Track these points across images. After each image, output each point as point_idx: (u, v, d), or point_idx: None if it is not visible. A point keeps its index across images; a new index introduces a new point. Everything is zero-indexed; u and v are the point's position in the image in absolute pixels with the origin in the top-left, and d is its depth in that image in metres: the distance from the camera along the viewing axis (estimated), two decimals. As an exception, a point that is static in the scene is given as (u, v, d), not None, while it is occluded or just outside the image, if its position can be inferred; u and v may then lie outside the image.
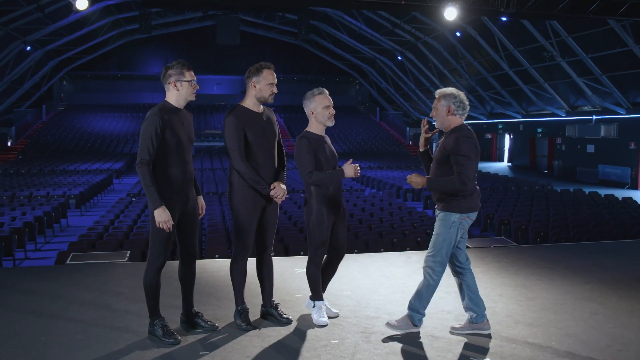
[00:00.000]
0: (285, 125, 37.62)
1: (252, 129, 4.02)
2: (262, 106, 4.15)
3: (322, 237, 4.16)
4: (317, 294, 4.24)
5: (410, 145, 35.65)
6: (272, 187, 4.03)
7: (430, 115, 4.01)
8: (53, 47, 31.76)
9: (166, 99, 3.91)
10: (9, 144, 33.05)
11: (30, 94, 36.12)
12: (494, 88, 28.95)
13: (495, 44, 25.21)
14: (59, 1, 25.76)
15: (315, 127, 4.21)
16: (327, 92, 4.25)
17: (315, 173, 4.09)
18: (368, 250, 8.98)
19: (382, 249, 9.09)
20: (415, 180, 3.88)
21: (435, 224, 3.99)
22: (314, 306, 4.25)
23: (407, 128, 38.09)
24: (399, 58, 34.07)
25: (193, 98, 3.95)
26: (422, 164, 4.25)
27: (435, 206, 4.05)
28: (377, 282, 5.25)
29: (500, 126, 32.15)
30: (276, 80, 4.12)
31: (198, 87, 3.93)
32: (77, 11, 16.59)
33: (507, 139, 32.84)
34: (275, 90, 4.10)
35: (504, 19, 22.60)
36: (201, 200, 4.15)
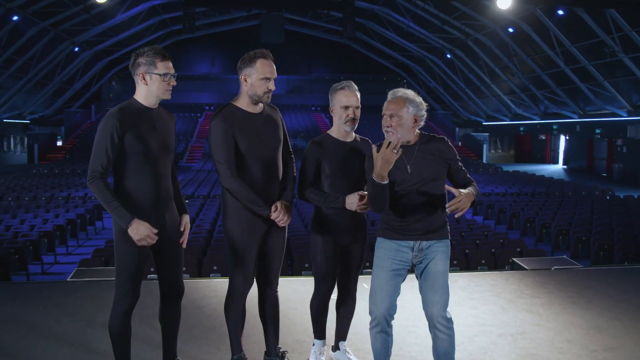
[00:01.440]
0: (331, 125, 36.88)
1: (245, 134, 3.19)
2: (260, 104, 3.30)
3: (323, 267, 3.40)
4: (316, 331, 3.55)
5: (460, 147, 34.53)
6: (273, 208, 3.19)
7: (385, 125, 3.04)
8: (101, 47, 32.05)
9: (134, 95, 3.08)
10: (59, 143, 33.70)
11: (80, 94, 36.70)
12: (549, 87, 27.52)
13: (550, 40, 23.88)
14: (105, 2, 25.88)
15: (337, 129, 3.42)
16: (354, 87, 3.37)
17: (308, 190, 3.34)
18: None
19: (455, 262, 8.36)
20: (467, 199, 2.89)
21: (436, 259, 3.05)
22: (313, 344, 3.58)
23: (457, 128, 36.94)
24: (448, 56, 32.94)
25: (167, 96, 3.09)
26: (380, 199, 2.99)
27: (427, 235, 3.06)
28: (415, 317, 4.26)
29: (555, 127, 30.63)
30: (275, 74, 3.22)
31: (175, 84, 3.07)
32: (97, 4, 16.06)
33: (563, 140, 31.36)
34: (272, 86, 3.22)
35: (560, 12, 21.36)
36: (185, 219, 3.29)
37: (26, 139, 32.97)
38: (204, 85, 40.63)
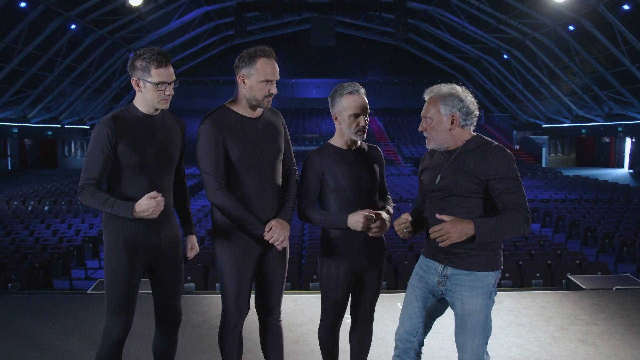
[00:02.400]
0: (385, 130, 36.46)
1: (238, 141, 2.79)
2: (259, 109, 2.91)
3: (331, 294, 2.98)
4: None
5: (517, 150, 33.34)
6: (267, 227, 2.78)
7: (420, 128, 2.69)
8: (157, 54, 32.62)
9: (134, 100, 2.78)
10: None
11: (138, 100, 37.51)
12: (613, 87, 26.13)
13: (614, 37, 22.63)
14: (160, 9, 26.33)
15: (341, 137, 2.98)
16: (362, 91, 2.94)
17: (309, 208, 2.93)
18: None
19: (507, 275, 7.84)
20: (454, 228, 2.41)
21: (461, 293, 2.58)
22: None
23: (514, 131, 35.69)
24: (505, 56, 31.85)
25: (163, 106, 2.75)
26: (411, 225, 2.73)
27: (452, 260, 2.61)
28: (451, 347, 3.78)
29: (620, 129, 29.10)
30: (277, 75, 2.82)
31: (172, 93, 2.72)
32: (133, 6, 16.07)
33: (629, 142, 29.76)
34: (274, 90, 2.82)
35: (625, 7, 20.20)
36: (192, 240, 3.05)
37: (85, 144, 34.00)
38: (258, 90, 40.77)
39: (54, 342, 3.98)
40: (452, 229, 2.41)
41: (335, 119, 2.95)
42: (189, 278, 7.38)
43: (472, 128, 2.67)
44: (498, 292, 5.18)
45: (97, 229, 10.97)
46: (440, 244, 2.44)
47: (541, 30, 26.48)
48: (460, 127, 2.63)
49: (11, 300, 5.08)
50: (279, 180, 2.94)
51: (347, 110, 2.89)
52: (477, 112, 2.65)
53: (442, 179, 2.62)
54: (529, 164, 28.82)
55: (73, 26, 23.14)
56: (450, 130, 2.61)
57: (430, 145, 2.67)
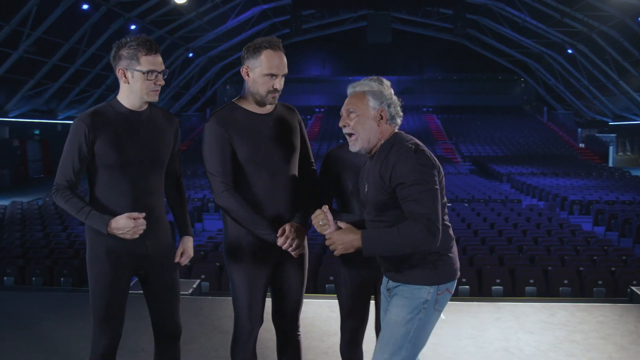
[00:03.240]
0: (443, 127, 35.71)
1: (246, 139, 2.59)
2: (271, 104, 2.69)
3: (346, 304, 2.77)
4: None
5: (582, 149, 31.99)
6: (280, 232, 2.55)
7: (342, 123, 2.41)
8: (215, 53, 33.11)
9: (117, 95, 2.58)
10: (176, 146, 35.36)
11: (196, 99, 38.28)
12: (688, 82, 24.68)
13: (690, 30, 21.35)
14: (217, 9, 26.66)
15: None
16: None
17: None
18: (514, 285, 7.36)
19: (531, 281, 7.43)
20: (340, 238, 2.24)
21: (391, 303, 2.41)
22: None
23: (579, 129, 34.25)
24: (570, 51, 30.59)
25: (153, 98, 2.54)
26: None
27: (390, 273, 2.42)
28: None
29: (695, 127, 27.46)
30: (284, 69, 2.60)
31: (162, 83, 2.53)
32: (169, 4, 16.19)
33: None
34: (278, 85, 2.60)
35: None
36: (186, 243, 2.76)
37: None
38: (314, 88, 40.78)
39: (80, 344, 3.92)
40: (338, 239, 2.24)
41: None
42: (202, 277, 7.21)
43: (396, 128, 2.44)
44: (551, 304, 4.86)
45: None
46: (334, 253, 2.27)
47: (609, 23, 25.24)
48: (386, 124, 2.39)
49: (46, 297, 5.11)
50: (294, 181, 2.72)
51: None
52: (401, 113, 2.42)
53: (368, 189, 2.39)
54: (594, 164, 27.55)
55: (133, 27, 23.71)
56: (378, 126, 2.36)
57: (356, 145, 2.39)
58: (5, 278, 7.85)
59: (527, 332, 4.13)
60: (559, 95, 36.84)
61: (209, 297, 5.45)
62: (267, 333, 3.75)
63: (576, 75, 32.23)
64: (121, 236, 2.42)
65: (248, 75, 2.62)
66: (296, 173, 2.75)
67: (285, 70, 2.62)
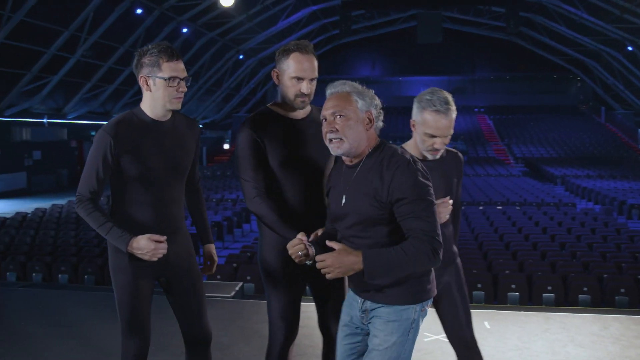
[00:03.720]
0: (495, 128, 34.98)
1: (280, 144, 2.52)
2: (309, 106, 2.61)
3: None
4: None
5: (642, 150, 30.76)
6: (312, 236, 2.44)
7: (329, 128, 2.16)
8: (265, 54, 33.40)
9: (141, 103, 2.53)
10: (226, 147, 35.87)
11: (247, 100, 38.70)
12: None
13: None
14: (267, 10, 26.89)
15: (415, 147, 2.69)
16: (449, 107, 2.51)
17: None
18: (566, 293, 7.10)
19: (584, 289, 7.15)
20: (338, 261, 2.01)
21: (375, 328, 2.19)
22: None
23: (639, 130, 32.92)
24: (630, 48, 29.40)
25: (175, 106, 2.50)
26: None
27: (369, 293, 2.20)
28: None
29: None
30: (312, 72, 2.50)
31: (185, 90, 2.48)
32: (220, 7, 16.34)
33: None
34: (305, 89, 2.51)
35: None
36: (209, 250, 2.77)
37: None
38: (365, 87, 40.64)
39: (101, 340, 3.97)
40: (335, 263, 2.01)
41: (414, 127, 2.69)
42: (248, 278, 7.13)
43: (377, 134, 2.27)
44: (604, 315, 4.65)
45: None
46: (326, 276, 2.04)
47: (672, 19, 24.18)
48: (372, 129, 2.21)
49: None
50: (321, 186, 2.61)
51: (425, 125, 2.61)
52: (382, 117, 2.23)
53: (348, 201, 2.18)
54: (654, 166, 26.42)
55: (185, 30, 24.17)
56: (367, 130, 2.18)
57: (341, 148, 2.16)
58: (59, 276, 8.10)
59: (577, 346, 3.95)
60: (618, 94, 35.45)
61: (251, 300, 5.45)
62: (307, 339, 3.72)
63: (637, 74, 30.96)
64: (139, 256, 2.41)
65: (278, 78, 2.58)
66: (324, 177, 2.63)
67: (314, 74, 2.53)
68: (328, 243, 2.11)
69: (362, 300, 2.23)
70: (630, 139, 32.45)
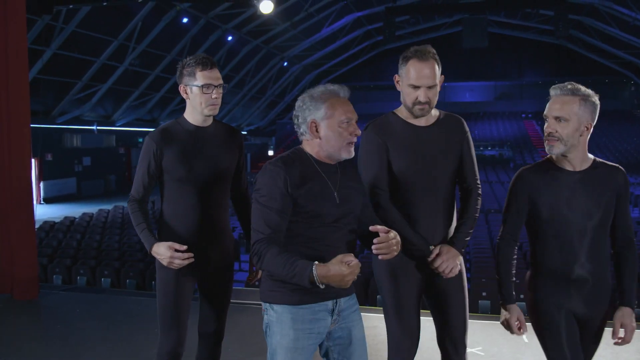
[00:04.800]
0: (543, 134, 34.10)
1: (402, 150, 2.49)
2: (434, 113, 2.57)
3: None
4: None
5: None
6: (434, 252, 2.46)
7: (358, 132, 2.27)
8: (309, 61, 33.59)
9: (184, 113, 2.72)
10: (270, 153, 36.17)
11: (291, 107, 38.87)
12: None
13: None
14: (311, 18, 27.02)
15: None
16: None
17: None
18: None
19: None
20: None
21: (355, 320, 2.26)
22: None
23: (698, 135, 31.60)
24: (687, 51, 28.32)
25: (212, 112, 2.63)
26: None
27: (343, 292, 2.21)
28: None
29: None
30: (428, 80, 2.42)
31: (219, 95, 2.60)
32: (263, 15, 16.54)
33: None
34: (423, 97, 2.44)
35: None
36: None
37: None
38: (406, 94, 40.26)
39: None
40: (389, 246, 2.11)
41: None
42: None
43: None
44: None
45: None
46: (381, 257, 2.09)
47: None
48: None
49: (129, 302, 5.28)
50: (452, 197, 2.57)
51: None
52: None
53: (353, 200, 2.29)
54: None
55: (230, 37, 24.52)
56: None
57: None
58: (102, 279, 8.28)
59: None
60: (675, 98, 34.19)
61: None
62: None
63: (694, 77, 29.77)
64: (160, 260, 2.57)
65: (399, 83, 2.54)
66: (454, 189, 2.59)
67: (430, 82, 2.44)
68: (372, 228, 2.11)
69: (334, 301, 2.17)
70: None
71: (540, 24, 33.42)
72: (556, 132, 2.24)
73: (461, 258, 2.50)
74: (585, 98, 2.24)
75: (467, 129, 2.62)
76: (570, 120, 2.23)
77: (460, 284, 2.56)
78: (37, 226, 10.98)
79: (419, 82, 2.43)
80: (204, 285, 2.77)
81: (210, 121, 2.71)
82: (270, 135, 38.16)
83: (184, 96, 2.65)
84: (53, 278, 8.53)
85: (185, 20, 21.16)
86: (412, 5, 28.00)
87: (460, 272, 2.52)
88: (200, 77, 2.58)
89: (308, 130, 2.17)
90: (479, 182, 2.60)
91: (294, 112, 2.24)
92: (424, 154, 2.49)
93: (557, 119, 2.25)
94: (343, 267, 1.95)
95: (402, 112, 2.57)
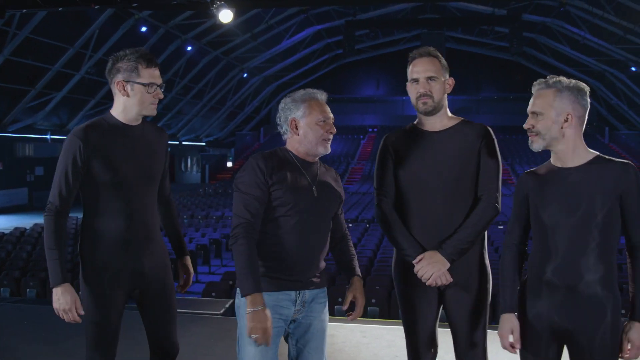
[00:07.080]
0: (498, 148, 34.86)
1: (411, 155, 2.50)
2: (445, 120, 2.54)
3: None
4: None
5: (646, 171, 30.56)
6: (418, 257, 2.41)
7: (333, 130, 2.42)
8: (269, 73, 33.59)
9: (111, 109, 2.49)
10: (229, 164, 35.98)
11: (251, 118, 38.84)
12: None
13: None
14: (271, 30, 27.07)
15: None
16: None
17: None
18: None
19: None
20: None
21: (320, 312, 2.44)
22: None
23: (644, 150, 32.85)
24: (633, 69, 29.45)
25: (151, 112, 2.47)
26: None
27: (312, 285, 2.40)
28: None
29: None
30: (429, 72, 2.49)
31: (161, 96, 2.46)
32: (223, 25, 16.69)
33: None
34: (421, 89, 2.49)
35: None
36: (185, 264, 2.71)
37: (200, 161, 35.72)
38: (368, 107, 40.69)
39: None
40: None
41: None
42: (373, 301, 6.86)
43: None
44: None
45: (194, 244, 11.22)
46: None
47: (676, 40, 24.22)
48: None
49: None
50: (463, 205, 2.46)
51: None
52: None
53: (332, 198, 2.51)
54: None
55: (189, 48, 24.34)
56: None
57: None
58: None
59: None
60: (622, 114, 35.47)
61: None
62: None
63: (640, 94, 31.02)
64: (53, 303, 2.34)
65: (408, 89, 2.57)
66: (464, 197, 2.47)
67: (428, 73, 2.48)
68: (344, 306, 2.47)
69: (297, 292, 2.33)
70: (634, 159, 32.30)
71: (496, 41, 34.32)
72: (533, 127, 2.22)
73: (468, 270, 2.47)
74: (561, 89, 2.19)
75: (490, 137, 2.52)
76: (545, 113, 2.19)
77: (468, 298, 2.47)
78: (-15, 237, 10.63)
79: (416, 74, 2.49)
80: (143, 300, 2.53)
81: (140, 120, 2.51)
82: (229, 146, 37.90)
83: (120, 92, 2.43)
84: (0, 291, 8.26)
85: (144, 29, 20.90)
86: (372, 19, 28.39)
87: (468, 284, 2.47)
88: (146, 75, 2.41)
89: (289, 128, 2.37)
90: (494, 192, 2.45)
91: (277, 115, 2.42)
92: (433, 159, 2.46)
93: (534, 114, 2.23)
94: (269, 324, 2.15)
95: (417, 119, 2.60)
